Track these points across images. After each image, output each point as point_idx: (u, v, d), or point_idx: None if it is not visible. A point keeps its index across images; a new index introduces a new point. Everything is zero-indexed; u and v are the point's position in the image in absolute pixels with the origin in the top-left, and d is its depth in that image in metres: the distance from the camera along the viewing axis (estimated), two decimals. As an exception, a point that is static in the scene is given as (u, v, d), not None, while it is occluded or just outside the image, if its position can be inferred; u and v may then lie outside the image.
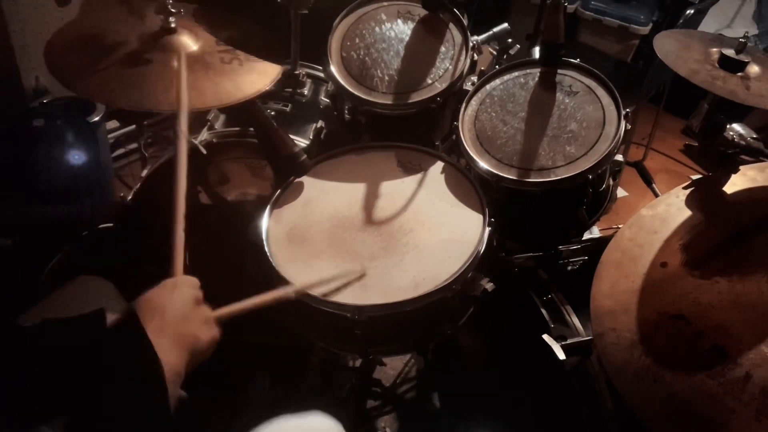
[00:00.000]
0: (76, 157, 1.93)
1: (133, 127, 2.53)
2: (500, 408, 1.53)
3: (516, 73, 1.61)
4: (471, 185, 1.45)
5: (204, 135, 1.64)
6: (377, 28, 1.71)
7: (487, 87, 1.60)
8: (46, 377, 0.74)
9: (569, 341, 1.21)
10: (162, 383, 0.76)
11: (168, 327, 0.84)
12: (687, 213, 1.13)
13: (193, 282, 0.95)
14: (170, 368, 0.80)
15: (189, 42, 1.43)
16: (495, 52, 1.83)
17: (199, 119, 1.72)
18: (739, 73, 1.72)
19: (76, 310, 1.07)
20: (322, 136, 1.71)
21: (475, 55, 1.65)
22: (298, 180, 1.49)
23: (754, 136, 1.15)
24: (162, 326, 0.83)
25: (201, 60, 1.40)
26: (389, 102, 1.59)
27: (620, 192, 2.66)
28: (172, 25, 1.41)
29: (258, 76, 1.44)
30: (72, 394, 0.73)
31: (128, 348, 0.79)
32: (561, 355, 1.16)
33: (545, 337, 1.19)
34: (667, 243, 1.09)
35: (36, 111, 2.06)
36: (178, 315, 0.87)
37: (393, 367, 1.89)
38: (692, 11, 2.59)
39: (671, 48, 1.81)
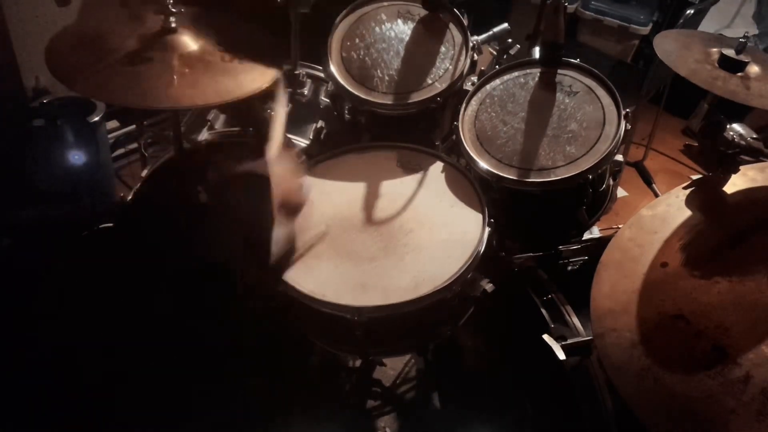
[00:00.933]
0: (76, 157, 1.93)
1: (133, 127, 2.53)
2: (500, 408, 1.53)
3: (516, 73, 1.61)
4: (471, 185, 1.45)
5: (204, 135, 1.64)
6: (377, 28, 1.71)
7: (487, 87, 1.60)
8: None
9: (569, 341, 1.21)
10: None
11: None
12: (687, 213, 1.13)
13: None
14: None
15: (189, 42, 1.43)
16: (495, 52, 1.83)
17: (199, 119, 1.72)
18: (739, 73, 1.72)
19: None
20: (322, 136, 1.71)
21: (475, 55, 1.65)
22: (298, 180, 1.49)
23: (754, 136, 1.14)
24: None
25: (202, 59, 1.40)
26: (389, 102, 1.59)
27: (620, 192, 2.66)
28: (173, 25, 1.41)
29: (259, 74, 1.44)
30: None
31: None
32: (561, 355, 1.16)
33: (545, 337, 1.19)
34: (667, 243, 1.08)
35: (36, 111, 2.06)
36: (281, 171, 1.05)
37: (393, 367, 1.88)
38: (692, 11, 2.59)
39: (671, 48, 1.81)
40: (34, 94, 2.16)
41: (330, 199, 1.45)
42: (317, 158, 1.54)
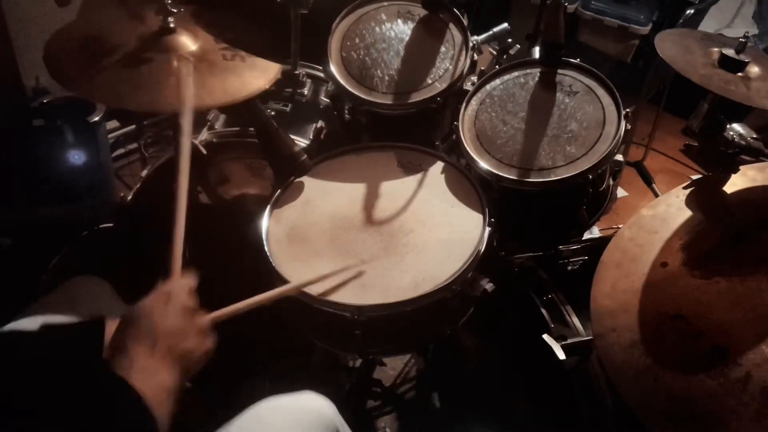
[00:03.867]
0: (76, 157, 1.93)
1: (133, 127, 2.53)
2: (500, 408, 1.53)
3: (516, 73, 1.61)
4: (471, 185, 1.45)
5: (204, 135, 1.64)
6: (377, 28, 1.71)
7: (487, 87, 1.60)
8: (34, 387, 0.74)
9: (569, 341, 1.21)
10: (147, 418, 0.76)
11: (159, 343, 0.83)
12: (687, 213, 1.13)
13: (187, 287, 0.94)
14: (160, 387, 0.80)
15: (188, 42, 1.43)
16: (495, 52, 1.83)
17: (199, 119, 1.72)
18: (739, 73, 1.72)
19: (73, 310, 1.07)
20: (322, 136, 1.71)
21: (475, 55, 1.65)
22: (298, 180, 1.49)
23: (754, 136, 1.15)
24: (153, 345, 0.83)
25: (205, 59, 1.40)
26: (389, 102, 1.59)
27: (620, 192, 2.66)
28: (171, 25, 1.41)
29: (261, 73, 1.44)
30: (59, 409, 0.72)
31: (113, 391, 0.78)
32: (561, 355, 1.16)
33: (545, 337, 1.19)
34: (667, 243, 1.09)
35: (36, 111, 2.06)
36: (171, 330, 0.86)
37: (393, 367, 1.89)
38: (692, 11, 2.59)
39: (673, 48, 1.81)
40: (34, 94, 2.16)
41: (330, 199, 1.45)
42: (317, 158, 1.54)
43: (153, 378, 0.80)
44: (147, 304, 0.88)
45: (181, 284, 0.95)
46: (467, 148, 1.48)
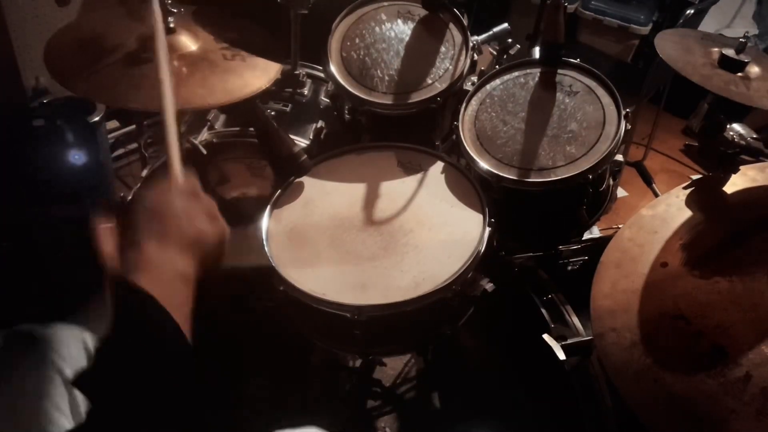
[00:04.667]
0: (76, 157, 1.93)
1: (133, 127, 2.52)
2: (500, 408, 1.53)
3: (516, 73, 1.61)
4: (471, 185, 1.45)
5: (204, 135, 1.64)
6: (377, 28, 1.71)
7: (487, 87, 1.60)
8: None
9: (569, 341, 1.21)
10: (176, 331, 0.73)
11: (170, 231, 0.79)
12: (687, 213, 1.13)
13: (188, 178, 0.90)
14: (177, 277, 0.77)
15: (188, 42, 1.43)
16: (495, 52, 1.83)
17: (199, 119, 1.72)
18: (739, 73, 1.72)
19: None
20: (322, 136, 1.70)
21: (475, 55, 1.65)
22: (298, 180, 1.49)
23: (754, 136, 1.15)
24: (164, 233, 0.79)
25: (205, 58, 1.40)
26: (389, 102, 1.59)
27: (620, 192, 2.66)
28: (171, 26, 1.41)
29: (261, 73, 1.44)
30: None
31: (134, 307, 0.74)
32: (561, 355, 1.16)
33: (545, 337, 1.19)
34: (667, 243, 1.08)
35: (36, 111, 2.06)
36: (179, 214, 0.82)
37: (393, 367, 1.89)
38: (692, 11, 2.59)
39: (673, 48, 1.81)
40: (34, 94, 2.16)
41: (330, 199, 1.45)
42: (317, 158, 1.54)
43: (168, 269, 0.76)
44: (149, 197, 0.84)
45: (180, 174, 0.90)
46: (467, 148, 1.48)
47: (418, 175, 1.50)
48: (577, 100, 1.52)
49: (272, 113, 1.65)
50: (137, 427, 0.67)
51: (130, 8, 1.51)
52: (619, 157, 1.48)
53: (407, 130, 1.63)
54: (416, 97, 1.58)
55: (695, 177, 1.19)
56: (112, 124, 2.53)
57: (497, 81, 1.61)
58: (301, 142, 1.65)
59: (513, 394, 1.51)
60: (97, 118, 2.10)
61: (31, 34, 2.14)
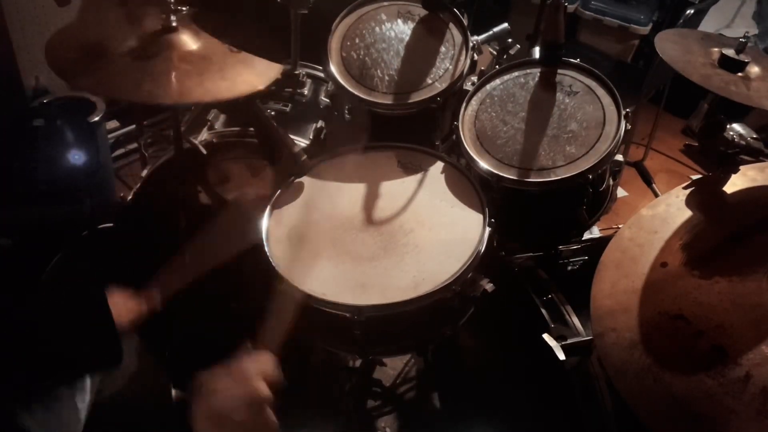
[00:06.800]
0: (76, 157, 1.93)
1: (133, 127, 2.53)
2: (500, 408, 1.53)
3: (516, 73, 1.61)
4: (471, 185, 1.45)
5: (204, 135, 1.64)
6: (377, 28, 1.71)
7: (487, 87, 1.60)
8: None
9: (569, 341, 1.21)
10: None
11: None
12: (687, 213, 1.13)
13: (268, 368, 0.91)
14: None
15: (189, 41, 1.43)
16: (495, 52, 1.83)
17: (199, 119, 1.72)
18: (739, 73, 1.72)
19: None
20: (322, 136, 1.71)
21: (475, 55, 1.65)
22: (298, 180, 1.49)
23: (754, 136, 1.15)
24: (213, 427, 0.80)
25: (205, 57, 1.40)
26: (389, 102, 1.59)
27: (620, 192, 2.66)
28: (173, 24, 1.41)
29: (261, 73, 1.44)
30: None
31: None
32: (561, 356, 1.16)
33: (545, 337, 1.19)
34: (667, 243, 1.08)
35: (36, 111, 2.06)
36: (234, 423, 0.83)
37: (393, 367, 1.88)
38: (692, 11, 2.59)
39: (673, 48, 1.81)
40: (34, 94, 2.17)
41: (330, 199, 1.45)
42: (317, 158, 1.54)
43: None
44: (219, 382, 0.85)
45: (259, 364, 0.92)
46: (467, 148, 1.48)
47: (418, 175, 1.50)
48: (577, 100, 1.51)
49: (272, 113, 1.66)
50: None
51: (130, 9, 1.51)
52: (619, 157, 1.48)
53: (407, 130, 1.63)
54: (416, 97, 1.58)
55: (695, 177, 1.19)
56: (112, 124, 2.54)
57: (497, 81, 1.61)
58: (301, 142, 1.65)
59: (513, 394, 1.51)
60: (97, 118, 2.09)
61: (31, 34, 2.14)
